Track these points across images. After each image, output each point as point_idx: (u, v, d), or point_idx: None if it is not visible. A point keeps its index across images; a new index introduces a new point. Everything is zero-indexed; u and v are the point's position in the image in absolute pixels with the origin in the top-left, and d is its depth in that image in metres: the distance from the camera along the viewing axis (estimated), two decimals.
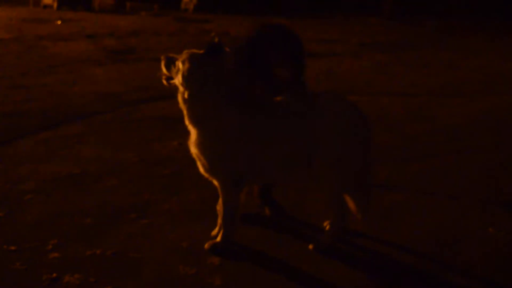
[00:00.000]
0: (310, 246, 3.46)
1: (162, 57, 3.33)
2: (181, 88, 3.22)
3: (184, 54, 3.23)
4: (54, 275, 3.08)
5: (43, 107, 6.76)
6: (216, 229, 3.58)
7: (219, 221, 3.53)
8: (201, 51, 3.23)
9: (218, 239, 3.44)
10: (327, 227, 3.54)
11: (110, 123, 6.24)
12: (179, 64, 3.20)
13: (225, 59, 3.23)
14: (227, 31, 14.93)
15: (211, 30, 15.16)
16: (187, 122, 3.28)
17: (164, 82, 3.35)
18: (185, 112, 3.26)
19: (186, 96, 3.18)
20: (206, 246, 3.41)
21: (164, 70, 3.31)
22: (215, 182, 3.40)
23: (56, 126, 6.00)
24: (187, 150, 3.41)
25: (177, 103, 3.27)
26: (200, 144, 3.25)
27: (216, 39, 3.17)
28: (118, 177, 4.58)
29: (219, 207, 3.50)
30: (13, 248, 3.37)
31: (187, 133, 3.34)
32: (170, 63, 3.28)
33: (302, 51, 3.73)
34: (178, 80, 3.20)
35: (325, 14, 20.95)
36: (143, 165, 4.88)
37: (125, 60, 10.51)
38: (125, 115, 6.58)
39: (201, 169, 3.36)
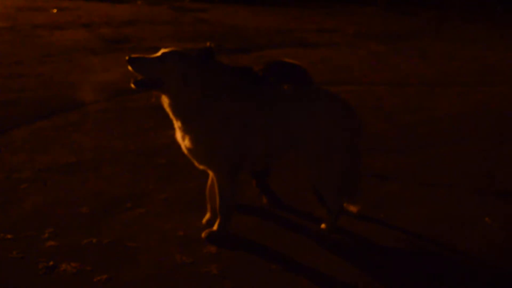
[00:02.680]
0: (310, 233, 3.48)
1: (128, 58, 3.05)
2: (170, 90, 3.13)
3: (172, 54, 3.12)
4: (51, 263, 3.09)
5: (38, 96, 6.74)
6: (207, 215, 3.60)
7: (209, 206, 3.57)
8: (189, 52, 3.21)
9: (215, 228, 3.45)
10: (324, 217, 3.55)
11: (106, 112, 6.23)
12: (167, 65, 3.09)
13: (214, 62, 3.25)
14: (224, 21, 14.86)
15: (207, 20, 15.11)
16: (174, 119, 3.26)
17: (133, 86, 3.09)
18: (172, 113, 3.23)
19: (175, 97, 3.15)
20: (203, 234, 3.42)
21: (135, 72, 3.09)
22: (211, 172, 3.41)
23: (52, 115, 5.98)
24: None
25: None
26: (194, 139, 3.22)
27: (208, 44, 3.26)
28: (114, 166, 4.58)
29: (208, 192, 3.52)
30: (9, 236, 3.37)
31: None
32: (146, 65, 3.09)
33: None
34: (168, 81, 3.09)
35: (322, 4, 20.88)
36: (139, 154, 4.87)
37: (120, 49, 10.44)
38: (121, 104, 6.56)
39: (196, 163, 3.36)
